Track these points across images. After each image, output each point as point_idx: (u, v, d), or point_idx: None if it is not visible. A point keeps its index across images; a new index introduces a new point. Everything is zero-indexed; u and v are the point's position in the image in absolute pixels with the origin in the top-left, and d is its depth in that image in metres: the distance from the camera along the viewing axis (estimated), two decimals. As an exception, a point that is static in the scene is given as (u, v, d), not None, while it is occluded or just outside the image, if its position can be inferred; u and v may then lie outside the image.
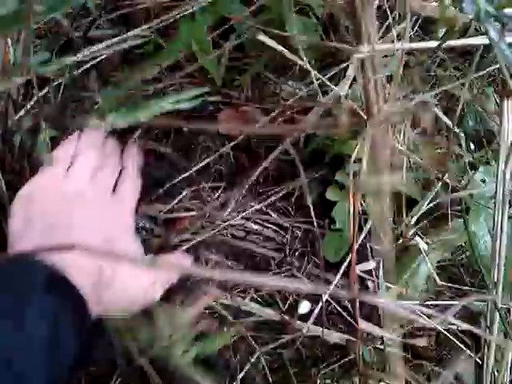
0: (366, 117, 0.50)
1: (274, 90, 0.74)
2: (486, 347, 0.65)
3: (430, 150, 0.72)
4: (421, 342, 0.68)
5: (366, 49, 0.43)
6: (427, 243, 0.66)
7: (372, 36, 0.45)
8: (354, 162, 0.67)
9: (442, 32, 0.54)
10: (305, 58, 0.59)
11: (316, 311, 0.65)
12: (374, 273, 0.66)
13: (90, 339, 0.52)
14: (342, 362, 0.66)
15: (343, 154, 0.68)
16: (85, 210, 0.57)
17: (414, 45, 0.45)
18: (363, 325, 0.62)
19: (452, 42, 0.44)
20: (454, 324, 0.67)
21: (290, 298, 0.66)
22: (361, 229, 0.67)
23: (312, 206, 0.69)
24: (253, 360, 0.63)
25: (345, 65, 0.67)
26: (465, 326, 0.65)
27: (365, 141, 0.56)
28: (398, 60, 0.48)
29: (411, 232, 0.66)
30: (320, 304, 0.65)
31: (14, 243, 0.54)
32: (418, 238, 0.62)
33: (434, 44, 0.44)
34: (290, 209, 0.70)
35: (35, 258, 0.49)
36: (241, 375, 0.63)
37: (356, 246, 0.65)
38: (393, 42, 0.47)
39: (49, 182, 0.59)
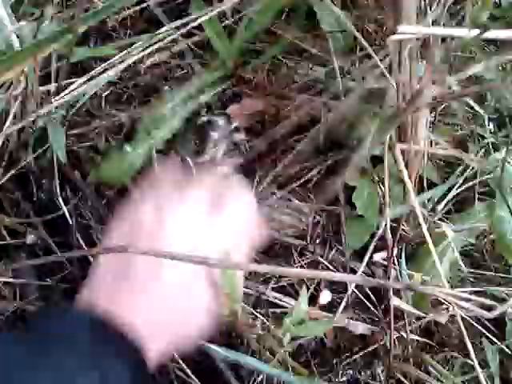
0: (399, 102, 0.48)
1: (288, 74, 0.71)
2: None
3: (451, 131, 0.70)
4: (441, 319, 0.66)
5: (404, 29, 0.41)
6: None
7: (412, 16, 0.43)
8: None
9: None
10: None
11: (343, 302, 0.64)
12: (396, 260, 0.64)
13: None
14: (365, 352, 0.64)
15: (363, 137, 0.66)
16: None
17: (455, 31, 0.42)
18: (396, 301, 0.59)
19: (495, 33, 0.42)
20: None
21: (311, 288, 0.64)
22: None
23: (332, 191, 0.68)
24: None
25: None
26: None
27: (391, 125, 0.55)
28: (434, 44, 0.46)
29: (436, 218, 0.64)
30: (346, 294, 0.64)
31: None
32: (444, 225, 0.60)
33: (475, 32, 0.41)
34: (310, 195, 0.68)
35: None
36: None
37: (379, 233, 0.64)
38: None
39: None
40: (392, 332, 0.58)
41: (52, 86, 0.60)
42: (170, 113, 0.64)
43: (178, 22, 0.63)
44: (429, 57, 0.48)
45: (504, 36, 0.41)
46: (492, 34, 0.43)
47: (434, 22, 0.47)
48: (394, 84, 0.49)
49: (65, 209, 0.64)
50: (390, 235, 0.60)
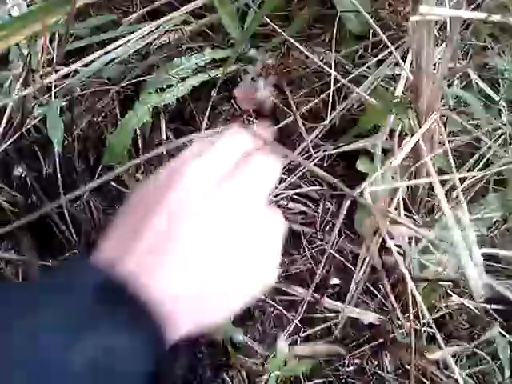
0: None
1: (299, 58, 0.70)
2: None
3: (464, 120, 0.69)
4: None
5: (425, 9, 0.40)
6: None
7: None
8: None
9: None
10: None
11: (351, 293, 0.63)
12: (407, 248, 0.63)
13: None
14: (373, 342, 0.63)
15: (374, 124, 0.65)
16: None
17: (474, 14, 0.41)
18: (411, 283, 0.58)
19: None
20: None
21: (318, 276, 0.64)
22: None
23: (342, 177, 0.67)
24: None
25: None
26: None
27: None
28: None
29: (450, 206, 0.63)
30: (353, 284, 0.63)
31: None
32: (460, 214, 0.59)
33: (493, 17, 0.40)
34: (320, 181, 0.67)
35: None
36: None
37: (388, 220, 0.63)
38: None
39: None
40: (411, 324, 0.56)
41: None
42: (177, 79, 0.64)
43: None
44: (447, 40, 0.47)
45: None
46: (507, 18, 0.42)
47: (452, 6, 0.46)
48: (409, 72, 0.47)
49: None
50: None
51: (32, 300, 0.37)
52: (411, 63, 0.54)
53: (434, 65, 0.53)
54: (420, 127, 0.58)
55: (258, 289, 0.45)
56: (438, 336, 0.62)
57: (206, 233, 0.43)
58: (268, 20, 0.67)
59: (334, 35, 0.67)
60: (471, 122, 0.69)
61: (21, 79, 0.57)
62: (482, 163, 0.66)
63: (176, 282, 0.41)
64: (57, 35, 0.62)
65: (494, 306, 0.66)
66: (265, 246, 0.46)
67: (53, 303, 0.36)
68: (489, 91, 0.67)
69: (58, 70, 0.61)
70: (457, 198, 0.65)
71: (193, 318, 0.42)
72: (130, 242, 0.42)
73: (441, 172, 0.65)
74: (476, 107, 0.66)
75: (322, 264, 0.63)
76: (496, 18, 0.41)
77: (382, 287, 0.64)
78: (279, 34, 0.67)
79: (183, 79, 0.65)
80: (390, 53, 0.62)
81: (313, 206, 0.66)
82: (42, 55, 0.58)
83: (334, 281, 0.63)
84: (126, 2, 0.72)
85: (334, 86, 0.66)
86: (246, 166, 0.48)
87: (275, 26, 0.67)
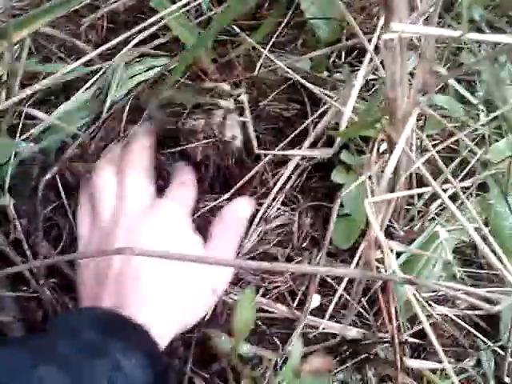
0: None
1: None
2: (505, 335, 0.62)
3: (441, 124, 0.67)
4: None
5: (397, 27, 0.38)
6: (442, 225, 0.62)
7: (403, 14, 0.40)
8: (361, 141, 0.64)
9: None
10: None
11: (331, 307, 0.61)
12: (386, 260, 0.61)
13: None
14: (356, 357, 0.62)
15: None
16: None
17: (446, 31, 0.39)
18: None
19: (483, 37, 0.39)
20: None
21: (299, 293, 0.62)
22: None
23: (318, 189, 0.65)
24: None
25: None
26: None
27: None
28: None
29: (429, 217, 0.61)
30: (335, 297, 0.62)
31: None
32: (438, 227, 0.57)
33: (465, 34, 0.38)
34: (296, 194, 0.65)
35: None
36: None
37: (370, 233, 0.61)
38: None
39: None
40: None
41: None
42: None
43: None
44: (421, 50, 0.45)
45: (492, 40, 0.39)
46: (481, 36, 0.40)
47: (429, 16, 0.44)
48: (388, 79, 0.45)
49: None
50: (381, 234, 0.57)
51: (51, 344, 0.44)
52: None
53: (410, 74, 0.52)
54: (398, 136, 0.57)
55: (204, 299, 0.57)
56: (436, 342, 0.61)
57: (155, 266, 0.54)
58: (235, 27, 0.65)
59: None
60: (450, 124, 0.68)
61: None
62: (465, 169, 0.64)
63: (148, 306, 0.52)
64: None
65: (477, 312, 0.65)
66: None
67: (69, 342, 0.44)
68: (466, 94, 0.65)
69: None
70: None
71: (171, 330, 0.54)
72: (100, 286, 0.53)
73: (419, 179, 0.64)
74: (455, 108, 0.64)
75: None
76: (469, 35, 0.39)
77: (363, 301, 0.63)
78: (246, 41, 0.65)
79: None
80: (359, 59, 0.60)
81: (288, 223, 0.64)
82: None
83: (315, 301, 0.61)
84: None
85: (308, 96, 0.64)
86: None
87: (239, 31, 0.64)
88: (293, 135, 0.65)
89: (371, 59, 0.49)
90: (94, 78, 0.61)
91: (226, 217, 0.61)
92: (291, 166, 0.63)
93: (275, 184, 0.63)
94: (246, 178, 0.63)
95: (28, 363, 0.41)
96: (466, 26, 0.39)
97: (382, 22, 0.43)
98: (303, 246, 0.63)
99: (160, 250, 0.47)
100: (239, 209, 0.62)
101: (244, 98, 0.62)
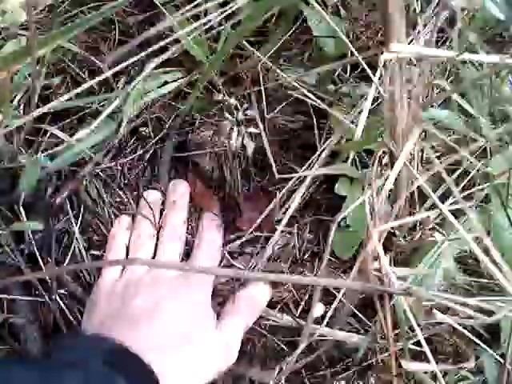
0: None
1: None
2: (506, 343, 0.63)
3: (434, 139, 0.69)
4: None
5: (397, 48, 0.39)
6: (443, 234, 0.63)
7: (402, 35, 0.42)
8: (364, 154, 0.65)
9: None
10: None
11: (329, 313, 0.63)
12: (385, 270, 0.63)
13: None
14: (359, 364, 0.63)
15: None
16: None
17: (443, 52, 0.41)
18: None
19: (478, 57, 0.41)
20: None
21: (302, 303, 0.63)
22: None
23: (321, 201, 0.66)
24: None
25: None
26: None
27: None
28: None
29: (429, 227, 0.63)
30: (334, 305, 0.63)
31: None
32: (437, 235, 0.59)
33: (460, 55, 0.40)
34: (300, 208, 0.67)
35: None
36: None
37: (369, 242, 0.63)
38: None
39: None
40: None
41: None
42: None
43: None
44: (420, 68, 0.46)
45: (487, 60, 0.40)
46: (475, 57, 0.42)
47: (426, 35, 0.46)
48: (387, 96, 0.47)
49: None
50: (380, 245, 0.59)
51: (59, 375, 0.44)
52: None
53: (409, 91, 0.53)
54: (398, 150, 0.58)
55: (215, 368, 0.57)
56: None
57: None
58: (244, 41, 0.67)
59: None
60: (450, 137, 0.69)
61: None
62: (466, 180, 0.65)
63: (154, 345, 0.52)
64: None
65: (477, 321, 0.66)
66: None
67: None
68: (467, 107, 0.67)
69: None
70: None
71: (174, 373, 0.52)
72: (114, 315, 0.55)
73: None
74: (455, 123, 0.66)
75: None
76: (467, 56, 0.41)
77: (366, 309, 0.64)
78: (254, 55, 0.66)
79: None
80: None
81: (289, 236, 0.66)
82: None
83: (320, 310, 0.62)
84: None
85: (313, 110, 0.66)
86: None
87: (248, 46, 0.66)
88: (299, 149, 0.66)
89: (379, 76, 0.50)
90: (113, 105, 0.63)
91: (241, 304, 0.62)
92: (303, 189, 0.64)
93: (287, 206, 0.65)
94: (268, 209, 0.64)
95: None
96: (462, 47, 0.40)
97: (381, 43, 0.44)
98: (305, 258, 0.65)
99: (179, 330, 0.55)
100: (256, 294, 0.63)
101: (255, 112, 0.64)
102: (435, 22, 0.45)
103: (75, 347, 0.49)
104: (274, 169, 0.62)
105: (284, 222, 0.63)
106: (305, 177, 0.63)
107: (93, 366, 0.46)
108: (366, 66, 0.49)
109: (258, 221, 0.63)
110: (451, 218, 0.52)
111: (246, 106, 0.65)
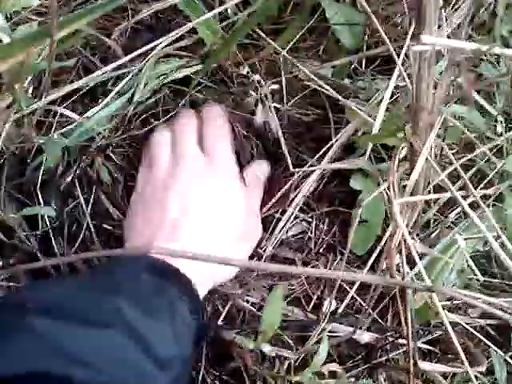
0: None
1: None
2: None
3: (457, 134, 0.68)
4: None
5: (427, 40, 0.38)
6: (459, 233, 0.63)
7: (433, 27, 0.41)
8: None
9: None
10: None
11: (341, 308, 0.62)
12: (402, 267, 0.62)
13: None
14: (369, 361, 0.62)
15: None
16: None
17: (475, 45, 0.40)
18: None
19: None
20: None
21: (314, 298, 0.63)
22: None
23: (335, 194, 0.65)
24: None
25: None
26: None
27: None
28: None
29: (446, 225, 0.62)
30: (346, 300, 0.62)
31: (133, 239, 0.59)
32: (457, 236, 0.58)
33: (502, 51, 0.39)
34: (312, 201, 0.66)
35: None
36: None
37: (385, 239, 0.62)
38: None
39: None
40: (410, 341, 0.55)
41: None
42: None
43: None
44: (445, 70, 0.46)
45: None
46: (508, 51, 0.41)
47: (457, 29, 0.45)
48: (414, 87, 0.46)
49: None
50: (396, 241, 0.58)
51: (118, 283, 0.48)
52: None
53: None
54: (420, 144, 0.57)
55: (247, 249, 0.62)
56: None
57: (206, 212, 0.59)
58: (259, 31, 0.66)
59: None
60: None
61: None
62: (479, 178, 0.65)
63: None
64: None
65: (488, 321, 0.65)
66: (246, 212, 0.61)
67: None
68: (485, 104, 0.66)
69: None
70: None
71: (212, 279, 0.58)
72: (151, 231, 0.57)
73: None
74: (476, 119, 0.65)
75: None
76: (497, 50, 0.40)
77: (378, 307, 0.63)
78: (269, 45, 0.65)
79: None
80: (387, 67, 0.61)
81: (305, 229, 0.65)
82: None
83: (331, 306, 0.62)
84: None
85: (329, 101, 0.65)
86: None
87: (263, 35, 0.65)
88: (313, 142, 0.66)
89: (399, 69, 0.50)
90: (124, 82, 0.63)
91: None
92: (314, 176, 0.63)
93: (297, 193, 0.64)
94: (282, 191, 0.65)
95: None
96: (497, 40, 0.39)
97: (410, 33, 0.43)
98: (320, 251, 0.64)
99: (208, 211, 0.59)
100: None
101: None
102: (465, 15, 0.44)
103: (126, 264, 0.52)
104: (289, 161, 0.61)
105: (297, 200, 0.64)
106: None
107: (144, 276, 0.49)
108: (395, 57, 0.47)
109: (273, 200, 0.65)
110: (472, 213, 0.51)
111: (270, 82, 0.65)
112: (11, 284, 0.61)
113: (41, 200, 0.61)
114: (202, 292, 0.55)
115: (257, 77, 0.64)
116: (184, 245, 0.56)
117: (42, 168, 0.59)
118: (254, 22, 0.59)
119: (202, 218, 0.58)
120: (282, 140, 0.64)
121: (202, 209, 0.59)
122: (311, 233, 0.64)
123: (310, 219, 0.65)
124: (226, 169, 0.62)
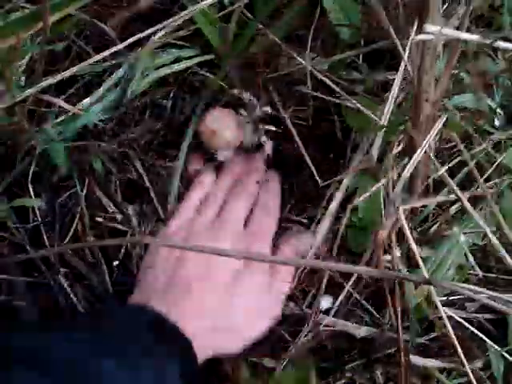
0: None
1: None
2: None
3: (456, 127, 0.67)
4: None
5: (432, 29, 0.38)
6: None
7: (437, 16, 0.40)
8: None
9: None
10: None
11: (337, 302, 0.62)
12: (398, 263, 0.62)
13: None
14: (365, 355, 0.62)
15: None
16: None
17: (478, 37, 0.39)
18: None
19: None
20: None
21: (309, 294, 0.62)
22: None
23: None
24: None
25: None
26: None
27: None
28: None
29: (445, 220, 0.61)
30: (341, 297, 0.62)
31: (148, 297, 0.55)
32: (455, 229, 0.58)
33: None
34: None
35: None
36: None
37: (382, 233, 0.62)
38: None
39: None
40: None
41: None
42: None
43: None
44: (447, 62, 0.45)
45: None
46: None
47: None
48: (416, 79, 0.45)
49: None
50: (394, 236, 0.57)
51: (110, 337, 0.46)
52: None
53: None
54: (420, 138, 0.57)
55: (263, 325, 0.58)
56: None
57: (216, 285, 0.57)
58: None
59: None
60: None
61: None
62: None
63: (198, 318, 0.53)
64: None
65: (485, 316, 0.65)
66: (266, 293, 0.59)
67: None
68: (484, 98, 0.65)
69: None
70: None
71: (212, 348, 0.55)
72: (165, 282, 0.56)
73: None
74: (483, 105, 0.64)
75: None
76: (503, 45, 0.39)
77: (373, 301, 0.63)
78: (266, 35, 0.65)
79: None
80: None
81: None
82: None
83: (327, 302, 0.61)
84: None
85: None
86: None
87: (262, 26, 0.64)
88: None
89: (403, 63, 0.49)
90: (120, 71, 0.61)
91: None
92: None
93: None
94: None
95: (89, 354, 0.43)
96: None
97: (415, 26, 0.42)
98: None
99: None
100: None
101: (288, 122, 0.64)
102: (467, 6, 0.43)
103: (124, 317, 0.51)
104: (315, 173, 0.63)
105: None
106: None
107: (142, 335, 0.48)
108: (401, 49, 0.46)
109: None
110: (470, 208, 0.51)
111: (261, 102, 0.65)
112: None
113: (32, 194, 0.60)
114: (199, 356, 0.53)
115: (248, 95, 0.63)
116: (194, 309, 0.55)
117: (34, 159, 0.57)
118: (264, 12, 0.58)
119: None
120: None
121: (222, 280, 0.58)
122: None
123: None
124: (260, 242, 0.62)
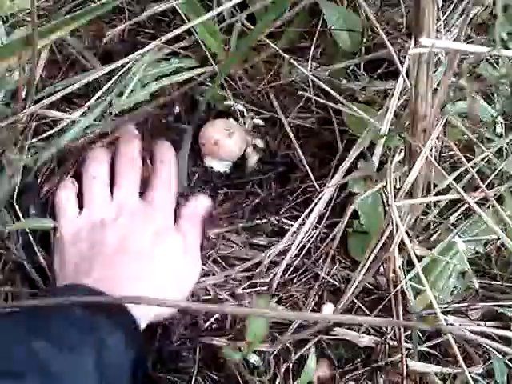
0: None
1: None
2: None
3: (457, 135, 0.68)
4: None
5: (427, 42, 0.38)
6: (459, 236, 0.62)
7: (432, 29, 0.40)
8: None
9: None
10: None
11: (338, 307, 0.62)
12: (400, 272, 0.62)
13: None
14: (368, 364, 0.62)
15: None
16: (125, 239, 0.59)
17: (474, 47, 0.39)
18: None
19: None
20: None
21: (312, 302, 0.63)
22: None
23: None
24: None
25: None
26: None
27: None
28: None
29: (445, 228, 0.61)
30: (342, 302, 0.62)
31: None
32: (457, 239, 0.58)
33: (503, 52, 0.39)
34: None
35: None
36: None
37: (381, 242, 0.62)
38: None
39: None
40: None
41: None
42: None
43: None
44: (445, 72, 0.45)
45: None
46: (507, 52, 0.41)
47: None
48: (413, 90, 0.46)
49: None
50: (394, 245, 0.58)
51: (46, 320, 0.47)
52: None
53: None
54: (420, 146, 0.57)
55: (186, 286, 0.61)
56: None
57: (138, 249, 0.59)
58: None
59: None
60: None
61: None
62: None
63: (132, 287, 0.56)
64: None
65: (488, 323, 0.65)
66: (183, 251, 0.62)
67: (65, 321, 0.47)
68: (485, 105, 0.66)
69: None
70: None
71: (149, 313, 0.56)
72: (89, 263, 0.57)
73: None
74: (484, 112, 0.64)
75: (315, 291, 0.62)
76: (504, 52, 0.39)
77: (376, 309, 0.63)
78: (269, 47, 0.65)
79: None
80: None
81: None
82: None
83: (329, 310, 0.61)
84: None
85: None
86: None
87: (265, 39, 0.65)
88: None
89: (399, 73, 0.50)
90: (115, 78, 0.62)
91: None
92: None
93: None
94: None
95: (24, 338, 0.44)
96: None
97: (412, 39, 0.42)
98: (319, 258, 0.64)
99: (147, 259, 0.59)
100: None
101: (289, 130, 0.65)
102: (464, 17, 0.44)
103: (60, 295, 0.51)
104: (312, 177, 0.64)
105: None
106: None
107: (76, 310, 0.48)
108: (397, 61, 0.47)
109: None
110: (478, 210, 0.51)
111: (251, 114, 0.65)
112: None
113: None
114: (141, 322, 0.54)
115: (240, 107, 0.64)
116: (122, 280, 0.57)
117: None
118: (260, 30, 0.59)
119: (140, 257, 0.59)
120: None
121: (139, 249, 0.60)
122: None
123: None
124: (162, 211, 0.63)
